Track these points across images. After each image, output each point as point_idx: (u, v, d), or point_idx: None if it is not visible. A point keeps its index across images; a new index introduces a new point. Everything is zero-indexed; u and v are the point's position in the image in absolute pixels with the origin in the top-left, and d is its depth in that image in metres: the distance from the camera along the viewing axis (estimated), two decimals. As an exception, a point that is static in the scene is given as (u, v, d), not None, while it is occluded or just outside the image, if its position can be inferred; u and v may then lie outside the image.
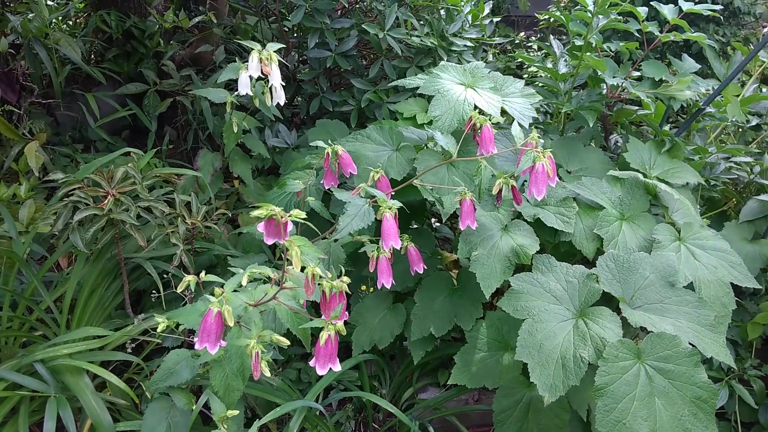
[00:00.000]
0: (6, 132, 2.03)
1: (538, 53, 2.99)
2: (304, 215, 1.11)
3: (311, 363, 1.11)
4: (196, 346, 1.10)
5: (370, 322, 1.82)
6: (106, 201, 1.53)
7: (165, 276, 1.78)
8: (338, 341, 1.11)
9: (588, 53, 1.84)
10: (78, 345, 1.53)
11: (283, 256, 1.08)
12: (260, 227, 1.15)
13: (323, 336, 1.09)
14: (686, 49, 2.85)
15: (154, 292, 1.72)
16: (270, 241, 1.16)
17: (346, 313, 1.15)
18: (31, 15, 2.03)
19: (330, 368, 1.10)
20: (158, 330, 1.23)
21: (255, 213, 1.09)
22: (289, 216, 1.11)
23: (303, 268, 1.09)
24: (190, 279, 1.15)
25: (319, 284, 1.13)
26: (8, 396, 1.43)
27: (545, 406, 1.31)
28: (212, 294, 1.12)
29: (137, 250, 1.76)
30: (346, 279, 1.16)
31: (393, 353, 2.05)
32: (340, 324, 1.10)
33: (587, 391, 1.50)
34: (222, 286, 1.15)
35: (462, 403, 1.94)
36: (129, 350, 1.63)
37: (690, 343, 1.32)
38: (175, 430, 1.38)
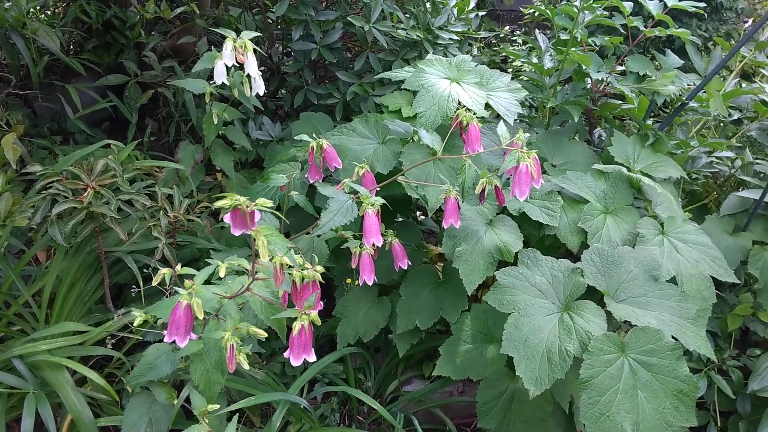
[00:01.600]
0: (-18, 123, 1.98)
1: (523, 47, 2.99)
2: (270, 204, 1.08)
3: (285, 354, 1.09)
4: (165, 339, 1.08)
5: (355, 316, 1.81)
6: (85, 194, 1.50)
7: (146, 270, 1.76)
8: (313, 332, 1.10)
9: (573, 48, 1.84)
10: (57, 340, 1.51)
11: (252, 246, 1.07)
12: (226, 218, 1.13)
13: (296, 326, 1.07)
14: (669, 44, 2.88)
15: (134, 286, 1.69)
16: (237, 232, 1.13)
17: (321, 303, 1.14)
18: (7, 4, 1.98)
19: (305, 359, 1.09)
20: (135, 324, 1.21)
21: (218, 204, 1.07)
22: (255, 205, 1.09)
23: (273, 258, 1.07)
24: (165, 272, 1.13)
25: (289, 274, 1.11)
26: (-15, 392, 1.40)
27: (530, 399, 1.32)
28: (185, 286, 1.10)
29: (118, 243, 1.73)
30: (319, 268, 1.15)
31: (378, 346, 2.05)
32: (314, 314, 1.08)
33: (571, 383, 1.51)
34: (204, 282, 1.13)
35: (446, 395, 1.95)
36: (110, 345, 1.60)
37: (673, 337, 1.33)
38: (157, 425, 1.37)
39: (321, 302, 1.14)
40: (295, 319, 1.08)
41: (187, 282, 1.09)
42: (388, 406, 1.90)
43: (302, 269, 1.14)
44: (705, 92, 1.92)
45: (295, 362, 1.08)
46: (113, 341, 1.62)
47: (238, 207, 1.08)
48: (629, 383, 1.28)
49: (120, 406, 1.55)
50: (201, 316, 1.07)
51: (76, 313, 1.69)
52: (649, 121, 1.93)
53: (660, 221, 1.65)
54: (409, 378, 1.99)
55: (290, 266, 1.10)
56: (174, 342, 1.08)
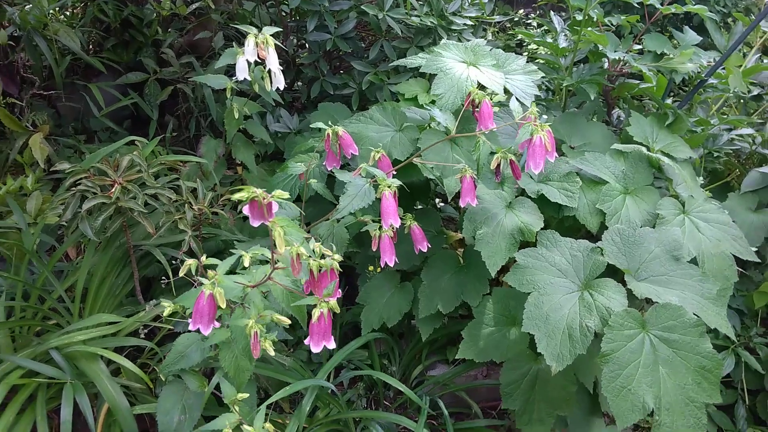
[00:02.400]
0: (10, 124, 2.04)
1: (538, 30, 2.97)
2: (287, 195, 1.11)
3: (306, 341, 1.11)
4: (190, 327, 1.11)
5: (378, 302, 1.84)
6: (113, 189, 1.55)
7: (174, 262, 1.80)
8: (332, 319, 1.12)
9: (588, 27, 1.83)
10: (91, 332, 1.56)
11: (270, 237, 1.09)
12: (245, 210, 1.15)
13: (315, 313, 1.09)
14: (687, 21, 2.83)
15: (163, 278, 1.74)
16: (256, 224, 1.16)
17: (339, 290, 1.16)
18: (28, 6, 2.03)
19: (324, 346, 1.11)
20: (165, 314, 1.24)
21: (236, 196, 1.09)
22: (272, 197, 1.11)
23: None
24: (191, 263, 1.15)
25: (306, 263, 1.13)
26: (26, 383, 1.46)
27: (552, 375, 1.34)
28: (207, 276, 1.13)
29: (146, 237, 1.78)
30: (337, 256, 1.17)
31: (402, 332, 2.08)
32: (333, 302, 1.10)
33: (593, 363, 1.52)
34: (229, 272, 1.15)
35: (471, 379, 1.97)
36: (142, 336, 1.65)
37: (695, 314, 1.33)
38: (189, 412, 1.41)
39: (340, 290, 1.16)
40: (315, 306, 1.10)
41: (210, 272, 1.12)
42: (413, 390, 1.93)
43: (320, 258, 1.16)
44: (724, 69, 1.89)
45: (316, 348, 1.10)
46: (145, 331, 1.67)
47: (255, 199, 1.11)
48: (650, 358, 1.29)
49: (153, 395, 1.60)
50: (224, 305, 1.10)
51: (108, 307, 1.75)
52: (669, 100, 1.92)
53: (681, 200, 1.64)
54: (434, 363, 2.02)
55: (307, 256, 1.12)
56: (198, 330, 1.11)
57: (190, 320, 1.12)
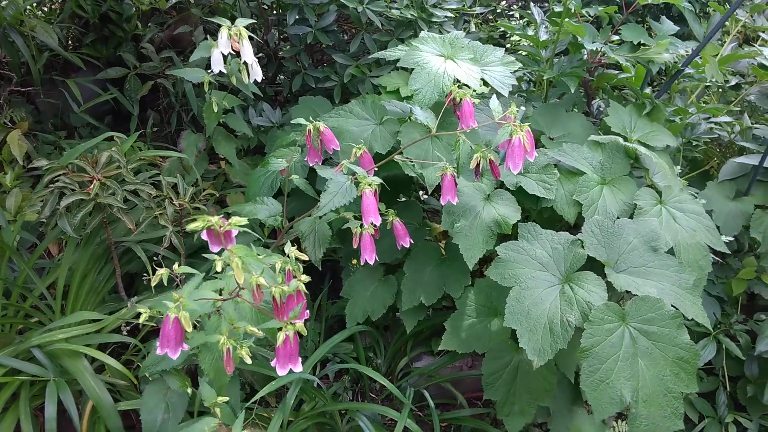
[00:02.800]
0: (-13, 121, 2.02)
1: (520, 22, 2.97)
2: (245, 221, 1.08)
3: (272, 363, 1.10)
4: (157, 352, 1.08)
5: (362, 295, 1.85)
6: (91, 186, 1.54)
7: (156, 258, 1.80)
8: (298, 342, 1.09)
9: (567, 19, 1.84)
10: (74, 329, 1.55)
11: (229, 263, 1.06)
12: (203, 236, 1.13)
13: (281, 336, 1.07)
14: (667, 11, 2.85)
15: (145, 274, 1.73)
16: (215, 249, 1.13)
17: (307, 312, 1.14)
18: (4, 2, 2.00)
19: (290, 368, 1.09)
20: (141, 320, 1.22)
21: (191, 226, 1.06)
22: (229, 224, 1.09)
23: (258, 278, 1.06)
24: (162, 272, 1.12)
25: (268, 290, 1.10)
26: (8, 381, 1.45)
27: (534, 369, 1.35)
28: (172, 298, 1.09)
29: (127, 233, 1.77)
30: (304, 277, 1.14)
31: (387, 324, 2.09)
32: (299, 324, 1.08)
33: (574, 353, 1.54)
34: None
35: (456, 370, 1.99)
36: (125, 332, 1.65)
37: (672, 305, 1.35)
38: (174, 410, 1.42)
39: (308, 311, 1.14)
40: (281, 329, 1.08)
41: (174, 294, 1.08)
42: (399, 382, 1.95)
43: (281, 282, 1.13)
44: (701, 58, 1.91)
45: (281, 371, 1.09)
46: (128, 328, 1.67)
47: (211, 228, 1.09)
48: (629, 351, 1.31)
49: (138, 391, 1.60)
50: (189, 329, 1.07)
51: (91, 304, 1.74)
52: (648, 90, 1.93)
53: (658, 190, 1.66)
54: (419, 354, 2.04)
55: (268, 285, 1.09)
56: (166, 354, 1.08)
57: (156, 345, 1.10)
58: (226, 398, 1.23)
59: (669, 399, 1.28)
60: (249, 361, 1.10)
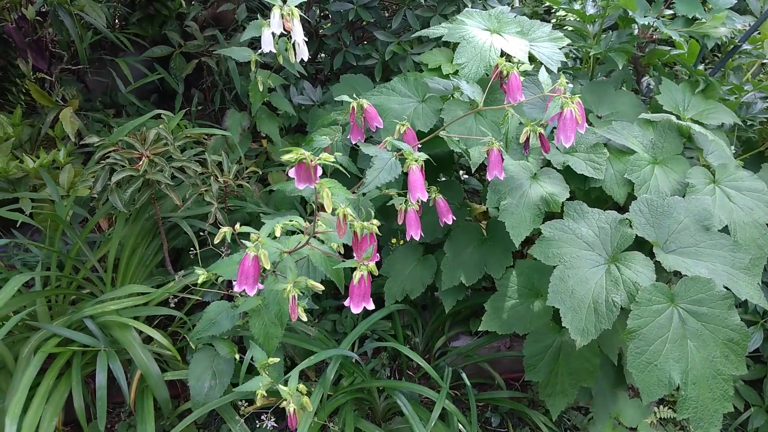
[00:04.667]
0: (40, 99, 2.08)
1: (566, -4, 2.88)
2: (333, 158, 1.12)
3: (346, 302, 1.14)
4: (235, 289, 1.14)
5: (402, 273, 1.85)
6: (141, 162, 1.57)
7: (201, 234, 1.84)
8: (371, 283, 1.14)
9: (618, -8, 1.78)
10: (124, 301, 1.61)
11: (314, 203, 1.10)
12: (291, 172, 1.16)
13: (356, 276, 1.11)
14: (723, -16, 2.72)
15: (191, 249, 1.77)
16: (301, 186, 1.17)
17: (377, 255, 1.17)
18: (55, -19, 2.04)
19: (364, 307, 1.13)
20: (199, 282, 1.27)
21: (285, 157, 1.10)
22: (318, 160, 1.13)
23: (334, 211, 1.11)
24: (225, 230, 1.18)
25: (350, 225, 1.14)
26: (62, 351, 1.51)
27: (577, 350, 1.34)
28: (251, 239, 1.15)
29: (173, 209, 1.81)
30: (376, 222, 1.18)
31: (425, 303, 2.09)
32: (372, 264, 1.12)
33: (618, 335, 1.51)
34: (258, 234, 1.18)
35: (494, 350, 1.99)
36: (171, 305, 1.69)
37: (724, 287, 1.31)
38: (220, 377, 1.46)
39: (378, 254, 1.18)
40: (354, 270, 1.12)
41: (252, 235, 1.14)
42: (436, 361, 1.95)
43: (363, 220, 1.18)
44: (759, 33, 1.82)
45: (356, 309, 1.12)
46: (175, 300, 1.71)
47: (303, 161, 1.12)
48: (678, 332, 1.28)
49: (183, 362, 1.65)
50: (268, 266, 1.13)
51: (139, 277, 1.79)
52: (701, 67, 1.86)
53: (711, 170, 1.60)
54: (457, 334, 2.03)
55: (353, 217, 1.14)
56: (243, 291, 1.14)
57: (230, 291, 1.15)
58: (277, 359, 1.26)
59: (719, 381, 1.25)
60: (305, 318, 1.15)
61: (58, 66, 2.19)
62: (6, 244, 1.80)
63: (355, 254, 1.18)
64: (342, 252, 1.24)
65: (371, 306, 1.14)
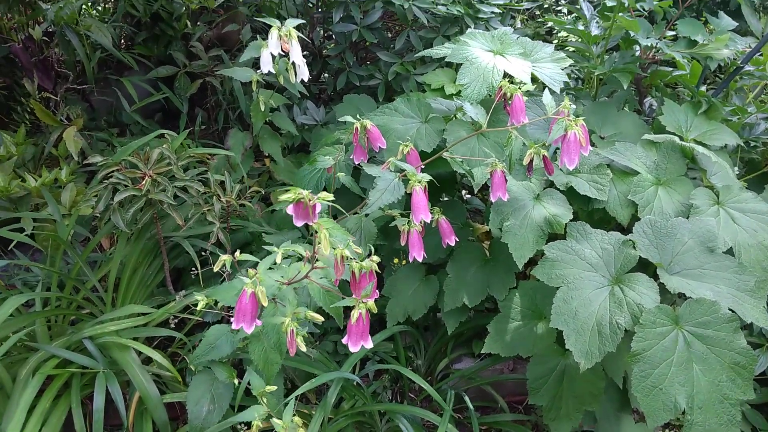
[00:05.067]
0: (45, 118, 2.09)
1: (569, 17, 2.91)
2: (331, 197, 1.11)
3: (344, 340, 1.13)
4: (233, 326, 1.13)
5: (404, 294, 1.84)
6: (143, 182, 1.57)
7: (203, 254, 1.83)
8: (369, 318, 1.13)
9: (620, 13, 1.78)
10: (123, 322, 1.59)
11: (313, 237, 1.10)
12: (289, 210, 1.17)
13: (354, 314, 1.10)
14: (723, 5, 2.74)
15: (193, 269, 1.76)
16: (299, 223, 1.17)
17: (377, 291, 1.16)
18: (62, 2, 2.07)
19: (362, 345, 1.11)
20: (198, 307, 1.26)
21: (283, 197, 1.10)
22: (318, 198, 1.12)
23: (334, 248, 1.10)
24: (225, 258, 1.17)
25: (348, 265, 1.13)
26: (60, 372, 1.50)
27: (581, 372, 1.31)
28: (247, 272, 1.14)
29: (175, 229, 1.81)
30: (375, 258, 1.17)
31: (427, 325, 2.07)
32: (370, 302, 1.10)
33: (623, 358, 1.49)
34: (256, 265, 1.17)
35: (497, 373, 1.96)
36: (172, 326, 1.68)
37: (729, 309, 1.29)
38: (219, 402, 1.44)
39: (377, 291, 1.17)
40: (353, 306, 1.11)
41: (250, 271, 1.13)
42: (438, 384, 1.93)
43: (361, 260, 1.17)
44: (762, 55, 1.82)
45: (354, 348, 1.11)
46: (176, 321, 1.70)
47: (301, 200, 1.12)
48: (683, 356, 1.26)
49: (183, 384, 1.63)
50: (266, 303, 1.12)
51: (140, 297, 1.78)
52: (703, 88, 1.86)
53: (715, 191, 1.59)
54: (459, 356, 2.01)
55: (351, 258, 1.13)
56: (241, 328, 1.13)
57: (224, 314, 1.14)
58: (275, 387, 1.24)
59: (725, 406, 1.23)
60: (304, 348, 1.13)
61: (64, 85, 2.21)
62: (6, 264, 1.79)
63: (353, 293, 1.16)
64: (342, 280, 1.23)
65: (369, 345, 1.12)
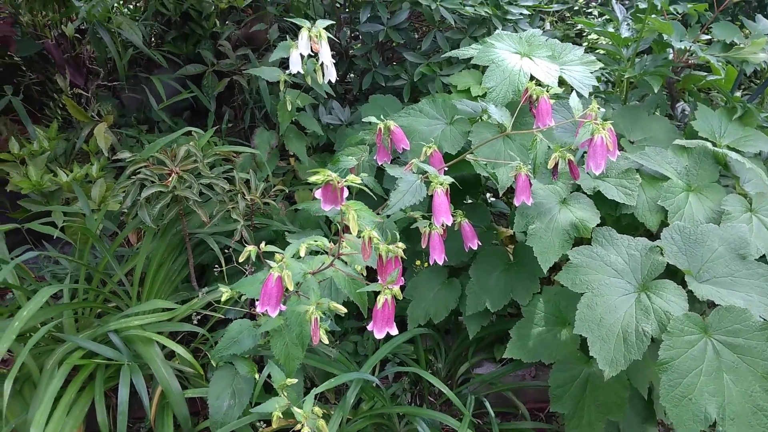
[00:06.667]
0: (76, 114, 2.14)
1: (599, 19, 2.86)
2: (360, 180, 1.11)
3: (369, 327, 1.12)
4: (258, 309, 1.13)
5: (425, 297, 1.82)
6: (170, 178, 1.59)
7: (227, 251, 1.85)
8: (395, 307, 1.12)
9: (653, 15, 1.75)
10: (148, 316, 1.61)
11: (339, 224, 1.10)
12: (317, 194, 1.16)
13: (380, 300, 1.10)
14: (761, 9, 2.66)
15: (216, 266, 1.78)
16: (327, 207, 1.17)
17: (402, 278, 1.15)
18: (94, 0, 2.11)
19: (387, 332, 1.11)
20: (222, 299, 1.27)
21: (312, 178, 1.10)
22: (345, 181, 1.12)
23: (359, 233, 1.09)
24: (251, 249, 1.18)
25: (375, 248, 1.13)
26: (86, 363, 1.52)
27: (605, 381, 1.29)
28: (275, 260, 1.15)
29: (200, 225, 1.83)
30: (401, 245, 1.16)
31: (448, 328, 2.06)
32: (396, 288, 1.10)
33: (648, 367, 1.46)
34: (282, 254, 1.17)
35: (518, 379, 1.94)
36: (195, 321, 1.70)
37: (761, 317, 1.25)
38: (240, 397, 1.45)
39: (402, 278, 1.16)
40: (378, 293, 1.11)
41: (277, 256, 1.14)
42: (458, 388, 1.91)
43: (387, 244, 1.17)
44: (801, 59, 1.77)
45: (379, 335, 1.11)
46: (198, 317, 1.72)
47: (329, 183, 1.12)
48: (713, 365, 1.22)
49: (205, 379, 1.65)
50: (291, 287, 1.12)
51: (165, 291, 1.81)
52: (738, 93, 1.81)
53: (748, 198, 1.55)
54: (480, 361, 1.99)
55: (378, 240, 1.12)
56: (266, 312, 1.13)
57: (248, 309, 1.14)
58: (295, 380, 1.25)
59: (759, 417, 1.19)
60: (327, 341, 1.14)
61: (95, 82, 2.25)
62: (37, 256, 1.83)
63: (379, 278, 1.16)
64: (365, 275, 1.23)
65: (394, 331, 1.12)
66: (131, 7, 2.61)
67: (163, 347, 1.58)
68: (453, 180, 1.33)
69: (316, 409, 1.25)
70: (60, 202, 1.88)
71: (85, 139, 2.12)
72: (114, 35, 2.18)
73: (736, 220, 1.47)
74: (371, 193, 1.40)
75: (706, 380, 1.21)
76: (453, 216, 1.48)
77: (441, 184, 1.28)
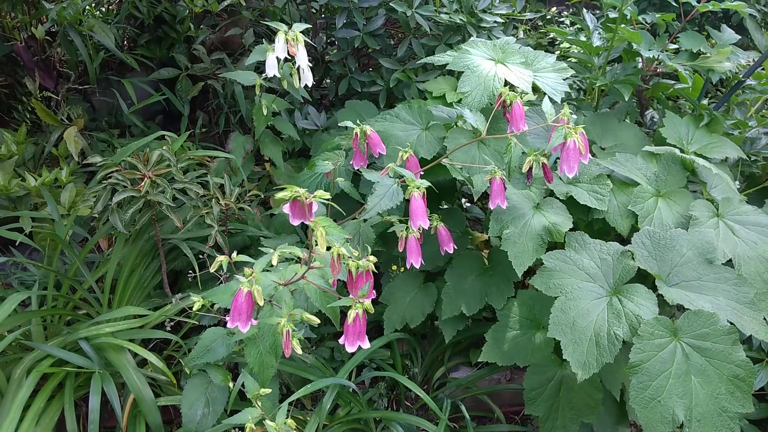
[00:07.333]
0: (46, 118, 2.09)
1: (571, 29, 2.92)
2: (328, 195, 1.12)
3: (340, 341, 1.12)
4: (228, 325, 1.12)
5: (401, 301, 1.83)
6: (142, 183, 1.57)
7: (201, 257, 1.82)
8: (366, 319, 1.12)
9: (622, 25, 1.79)
10: (120, 323, 1.58)
11: (310, 236, 1.10)
12: (285, 208, 1.16)
13: (351, 314, 1.10)
14: (726, 20, 2.75)
15: (190, 272, 1.76)
16: (296, 222, 1.17)
17: (374, 291, 1.16)
18: (65, 2, 2.07)
19: (359, 346, 1.11)
20: (194, 309, 1.26)
21: (279, 195, 1.11)
22: (314, 197, 1.12)
23: (329, 248, 1.09)
24: (222, 259, 1.17)
25: (345, 263, 1.13)
26: (55, 372, 1.49)
27: (578, 383, 1.31)
28: (244, 272, 1.14)
29: (174, 231, 1.80)
30: (372, 258, 1.17)
31: (424, 332, 2.06)
32: (367, 303, 1.10)
33: (621, 370, 1.49)
34: (253, 266, 1.16)
35: (494, 383, 1.95)
36: (168, 328, 1.67)
37: (728, 321, 1.29)
38: (213, 405, 1.42)
39: (374, 291, 1.16)
40: (350, 306, 1.11)
41: (246, 270, 1.13)
42: (435, 392, 1.92)
43: (357, 259, 1.17)
44: (764, 69, 1.83)
45: (350, 348, 1.11)
46: (172, 324, 1.69)
47: (297, 198, 1.11)
48: (682, 368, 1.25)
49: (178, 387, 1.62)
50: (261, 303, 1.11)
51: (137, 298, 1.77)
52: (705, 101, 1.86)
53: (715, 203, 1.59)
54: (456, 365, 2.00)
55: (347, 256, 1.12)
56: (236, 328, 1.12)
57: (222, 317, 1.13)
58: (269, 390, 1.23)
59: (724, 419, 1.22)
60: (300, 351, 1.13)
61: (65, 85, 2.21)
62: (4, 262, 1.79)
63: (350, 292, 1.16)
64: (336, 288, 1.23)
65: (366, 345, 1.12)
66: (104, 9, 2.57)
67: (135, 355, 1.55)
68: (429, 184, 1.34)
69: (290, 421, 1.24)
70: (28, 207, 1.84)
71: (55, 143, 2.08)
72: (85, 38, 2.14)
73: (703, 225, 1.51)
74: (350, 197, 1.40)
75: (675, 383, 1.24)
76: (429, 220, 1.49)
77: (418, 188, 1.29)
